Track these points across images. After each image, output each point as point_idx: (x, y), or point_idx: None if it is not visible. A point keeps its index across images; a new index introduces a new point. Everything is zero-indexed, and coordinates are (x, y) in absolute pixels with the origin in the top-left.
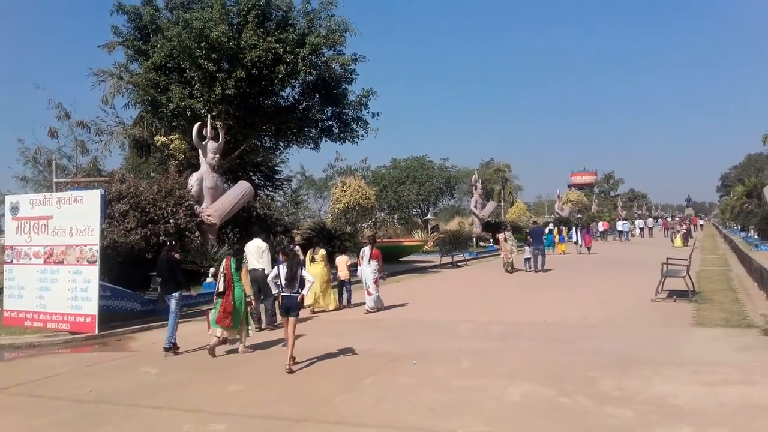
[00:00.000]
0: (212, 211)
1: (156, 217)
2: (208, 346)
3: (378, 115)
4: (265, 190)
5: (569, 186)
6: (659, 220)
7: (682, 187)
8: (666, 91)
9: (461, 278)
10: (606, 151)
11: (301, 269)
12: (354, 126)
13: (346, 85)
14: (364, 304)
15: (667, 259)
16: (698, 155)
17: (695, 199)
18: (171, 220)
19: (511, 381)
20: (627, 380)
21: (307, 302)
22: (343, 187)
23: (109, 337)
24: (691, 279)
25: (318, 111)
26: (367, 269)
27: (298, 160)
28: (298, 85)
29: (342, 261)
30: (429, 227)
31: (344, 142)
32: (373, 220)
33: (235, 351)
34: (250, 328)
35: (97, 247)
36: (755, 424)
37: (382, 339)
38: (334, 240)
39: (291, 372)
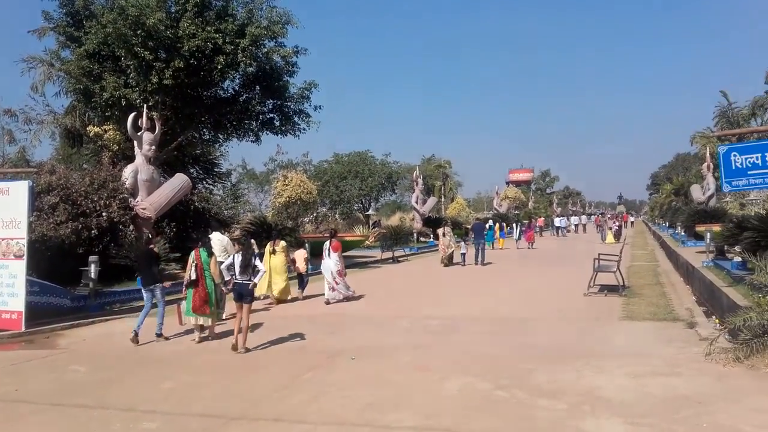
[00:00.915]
0: (148, 204)
1: (88, 210)
2: (196, 340)
3: (320, 108)
4: (204, 183)
5: (507, 183)
6: (592, 216)
7: (614, 185)
8: (599, 93)
9: (402, 273)
10: (543, 150)
11: (255, 258)
12: (296, 119)
13: (288, 78)
14: (322, 295)
15: (599, 254)
16: (630, 155)
17: (627, 196)
18: (104, 214)
19: (449, 375)
20: (560, 373)
21: (262, 292)
22: (284, 181)
23: (37, 334)
24: (621, 274)
25: (259, 103)
26: (329, 262)
27: (238, 153)
28: (238, 76)
29: (300, 255)
30: (370, 222)
31: (286, 135)
32: (315, 214)
33: (167, 345)
34: (221, 313)
35: (25, 241)
36: (680, 414)
37: (321, 334)
38: (273, 233)
39: (247, 350)
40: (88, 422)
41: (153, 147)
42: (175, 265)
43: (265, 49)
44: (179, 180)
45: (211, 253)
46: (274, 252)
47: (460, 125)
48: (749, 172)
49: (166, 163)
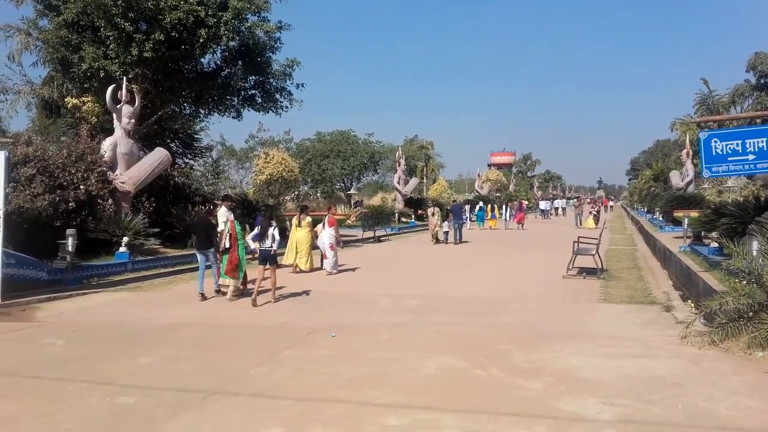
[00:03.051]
0: (126, 178)
1: (65, 183)
2: (228, 297)
3: (302, 86)
4: (184, 158)
5: (489, 165)
6: (572, 200)
7: (594, 170)
8: (583, 79)
9: (382, 253)
10: (525, 133)
11: (272, 228)
12: (278, 96)
13: (271, 54)
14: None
15: (579, 237)
16: (611, 140)
17: (607, 181)
18: (81, 187)
19: (428, 353)
20: (537, 353)
21: (289, 261)
22: (266, 158)
23: (13, 306)
24: (600, 257)
25: (241, 79)
26: (324, 235)
27: (218, 130)
28: (220, 50)
29: (319, 229)
30: (352, 202)
31: (267, 112)
32: (297, 193)
33: (148, 322)
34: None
35: (1, 213)
36: (655, 395)
37: (302, 312)
38: (255, 212)
39: (276, 300)
40: (64, 396)
41: (132, 120)
42: (154, 240)
43: (248, 23)
44: (159, 154)
45: (243, 228)
46: (299, 225)
47: (443, 107)
48: (729, 159)
49: (145, 137)
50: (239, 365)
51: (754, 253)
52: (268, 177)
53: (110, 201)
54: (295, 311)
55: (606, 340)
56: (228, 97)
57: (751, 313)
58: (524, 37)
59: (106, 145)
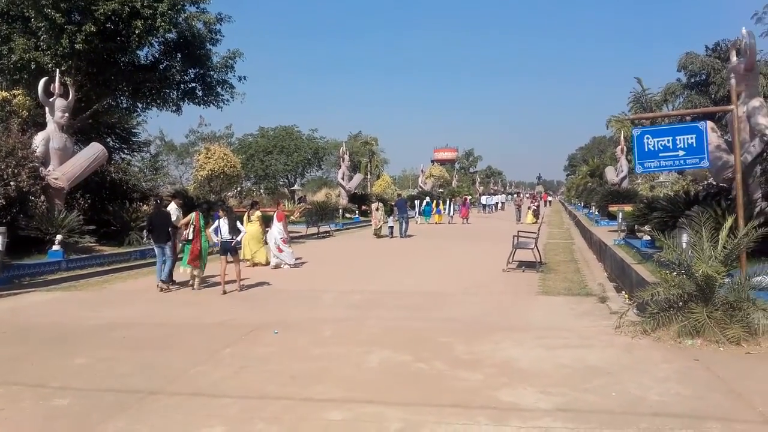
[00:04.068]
0: (60, 174)
1: None
2: (195, 287)
3: (245, 78)
4: (121, 153)
5: (432, 161)
6: (512, 196)
7: (534, 166)
8: (523, 76)
9: (326, 249)
10: (468, 129)
11: (238, 222)
12: (219, 89)
13: (211, 46)
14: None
15: (518, 231)
16: (550, 137)
17: (545, 177)
18: (12, 183)
19: (371, 348)
20: (479, 345)
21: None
22: (207, 154)
23: None
24: (538, 251)
25: (180, 71)
26: (274, 230)
27: (157, 124)
28: (157, 42)
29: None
30: (296, 198)
31: (209, 105)
32: (239, 188)
33: (84, 322)
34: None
35: None
36: (590, 384)
37: (244, 309)
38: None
39: (242, 288)
40: None
41: (66, 114)
42: (89, 238)
43: (186, 15)
44: (94, 149)
45: (207, 221)
46: (249, 220)
47: (387, 103)
48: (660, 155)
49: (80, 132)
50: (179, 365)
51: (684, 245)
52: (210, 173)
53: (43, 198)
54: (237, 308)
55: (544, 332)
56: (167, 91)
57: (681, 303)
58: (465, 34)
59: (38, 139)
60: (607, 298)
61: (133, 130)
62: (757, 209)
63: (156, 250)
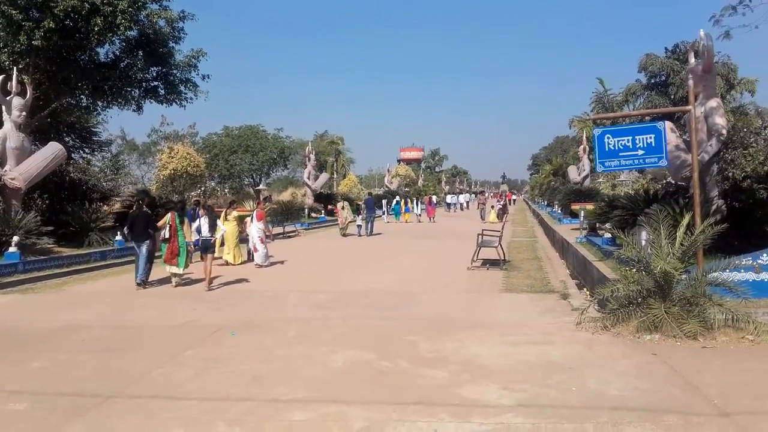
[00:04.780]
0: (17, 174)
1: None
2: (174, 284)
3: (208, 77)
4: (81, 153)
5: (399, 161)
6: (473, 196)
7: (499, 165)
8: (488, 76)
9: (292, 248)
10: (433, 129)
11: (218, 220)
12: (182, 88)
13: (173, 44)
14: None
15: (483, 230)
16: (514, 136)
17: (510, 176)
18: None
19: (335, 347)
20: (443, 343)
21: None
22: (170, 153)
23: None
24: (502, 249)
25: (141, 70)
26: (253, 229)
27: (118, 123)
28: (118, 40)
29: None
30: (261, 197)
31: (171, 104)
32: (203, 188)
33: (41, 325)
34: (182, 266)
35: None
36: (552, 380)
37: (207, 310)
38: (158, 208)
39: (210, 289)
40: None
41: (23, 113)
42: (47, 239)
43: (147, 12)
44: (53, 149)
45: (183, 219)
46: (226, 219)
47: (353, 103)
48: (621, 154)
49: (38, 131)
50: (139, 367)
51: (643, 242)
52: (172, 172)
53: None
54: (200, 309)
55: (507, 328)
56: (128, 89)
57: (640, 299)
58: (431, 34)
59: None
60: (568, 295)
61: (94, 129)
62: (714, 207)
63: (136, 248)
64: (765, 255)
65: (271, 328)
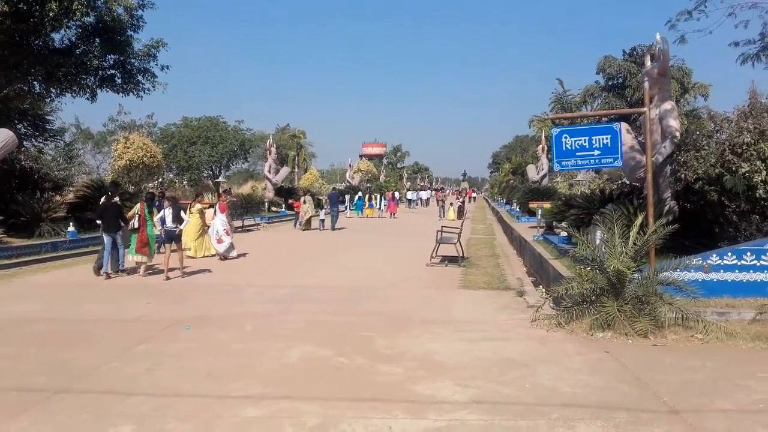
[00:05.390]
0: None
1: None
2: (141, 273)
3: (168, 68)
4: (33, 141)
5: (361, 156)
6: (433, 192)
7: (460, 163)
8: (450, 75)
9: (252, 242)
10: (396, 125)
11: (181, 212)
12: (140, 78)
13: (132, 32)
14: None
15: (442, 227)
16: (475, 135)
17: (471, 174)
18: None
19: (292, 343)
20: (399, 339)
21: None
22: (125, 143)
23: None
24: (461, 246)
25: (97, 57)
26: (217, 221)
27: (73, 111)
28: (74, 26)
29: (210, 214)
30: (221, 190)
31: (128, 94)
32: (160, 179)
33: None
34: (153, 255)
35: None
36: (506, 376)
37: (161, 304)
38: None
39: (168, 279)
40: None
41: None
42: None
43: None
44: (3, 136)
45: (151, 209)
46: (190, 212)
47: (316, 97)
48: (577, 154)
49: None
50: (89, 362)
51: (597, 241)
52: (128, 163)
53: None
54: (156, 303)
55: (464, 325)
56: (83, 77)
57: (593, 297)
58: (394, 29)
59: None
60: (524, 292)
61: (47, 117)
62: (666, 208)
63: (105, 239)
64: (714, 255)
65: (227, 323)
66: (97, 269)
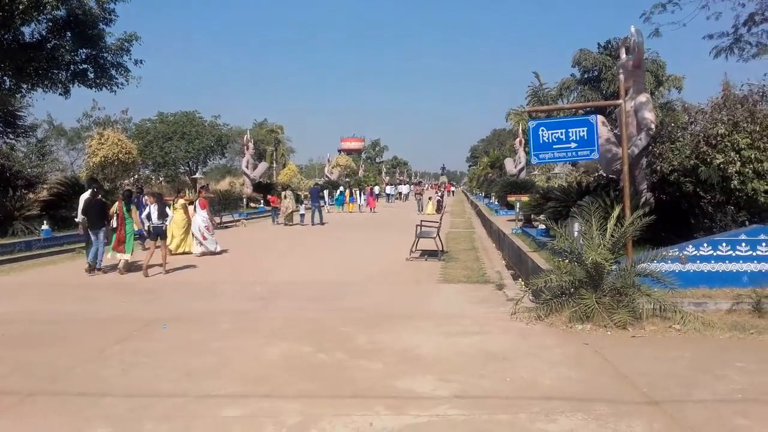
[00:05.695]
0: None
1: None
2: (120, 269)
3: (142, 62)
4: (5, 138)
5: (339, 151)
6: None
7: (438, 157)
8: (428, 69)
9: (230, 239)
10: (374, 119)
11: (167, 208)
12: (113, 72)
13: (104, 26)
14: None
15: (422, 221)
16: (453, 129)
17: (449, 168)
18: None
19: (271, 340)
20: (380, 334)
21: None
22: (99, 139)
23: None
24: (440, 240)
25: (69, 51)
26: (198, 217)
27: (45, 107)
28: (45, 19)
29: (191, 210)
30: (198, 186)
31: (101, 89)
32: (136, 176)
33: None
34: (131, 252)
35: None
36: (487, 370)
37: (137, 302)
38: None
39: (147, 276)
40: None
41: None
42: None
43: None
44: None
45: (129, 207)
46: (174, 208)
47: (294, 92)
48: (554, 146)
49: None
50: (63, 363)
51: (575, 234)
52: (103, 159)
53: None
54: (132, 301)
55: (444, 319)
56: (55, 71)
57: (572, 290)
58: (370, 23)
59: None
60: (504, 286)
61: (18, 113)
62: (643, 200)
63: (91, 236)
64: (691, 246)
65: (206, 321)
66: (90, 269)
